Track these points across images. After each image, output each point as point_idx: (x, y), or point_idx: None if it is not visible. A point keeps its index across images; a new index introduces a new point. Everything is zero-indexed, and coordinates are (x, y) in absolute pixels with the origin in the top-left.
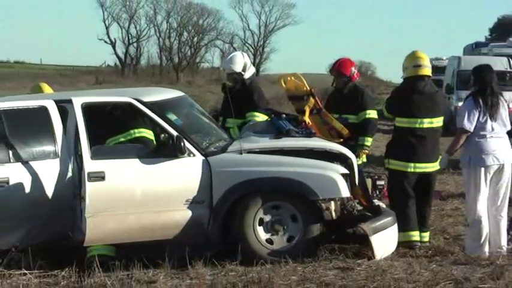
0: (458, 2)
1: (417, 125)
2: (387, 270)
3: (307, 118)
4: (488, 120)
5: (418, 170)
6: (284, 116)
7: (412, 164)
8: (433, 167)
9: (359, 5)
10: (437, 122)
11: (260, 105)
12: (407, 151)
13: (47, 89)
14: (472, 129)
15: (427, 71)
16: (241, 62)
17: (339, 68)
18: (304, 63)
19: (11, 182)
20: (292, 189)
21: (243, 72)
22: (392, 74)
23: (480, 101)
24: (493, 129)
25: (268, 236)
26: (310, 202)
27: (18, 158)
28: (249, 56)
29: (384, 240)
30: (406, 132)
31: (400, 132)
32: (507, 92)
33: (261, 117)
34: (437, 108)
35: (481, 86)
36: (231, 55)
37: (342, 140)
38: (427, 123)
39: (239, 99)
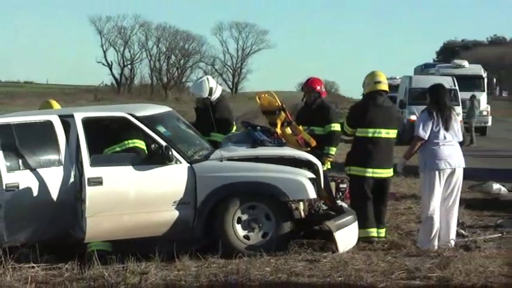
0: (409, 28)
1: (376, 135)
2: (349, 262)
3: (279, 130)
4: (441, 130)
5: (375, 175)
6: (259, 128)
7: (370, 170)
8: (388, 173)
9: (324, 30)
10: (393, 133)
11: (223, 124)
12: (367, 158)
13: (55, 105)
14: (426, 137)
15: (385, 86)
16: (207, 88)
17: (311, 84)
18: (277, 82)
19: (21, 187)
20: (266, 192)
21: (209, 96)
22: (353, 91)
23: (434, 113)
24: (445, 138)
25: (245, 232)
26: (282, 203)
27: (26, 166)
28: (226, 76)
29: (346, 236)
30: (366, 141)
31: (360, 142)
32: None
33: (219, 137)
34: (393, 120)
35: (436, 101)
36: (198, 81)
37: (309, 148)
38: (384, 133)
39: (206, 118)
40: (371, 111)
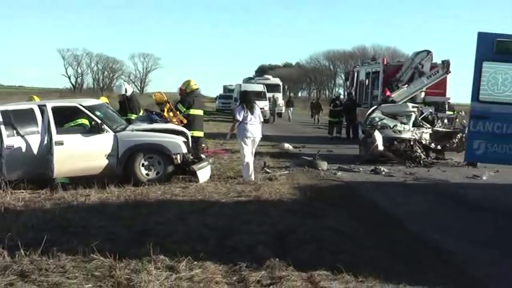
0: (242, 55)
1: (197, 112)
2: (205, 188)
3: (166, 114)
4: (249, 115)
5: (196, 135)
6: (154, 112)
7: (200, 132)
8: (202, 134)
9: (195, 60)
10: (202, 111)
11: (133, 110)
12: (196, 126)
13: (36, 99)
14: (240, 119)
15: (196, 86)
16: (123, 88)
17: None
18: (165, 87)
19: (15, 146)
20: (159, 149)
21: (125, 93)
22: (211, 91)
23: (244, 106)
24: (251, 120)
25: (146, 172)
26: (167, 155)
27: (18, 134)
28: (137, 83)
29: (203, 173)
30: (196, 117)
31: (193, 118)
32: (261, 102)
33: (133, 116)
34: (203, 104)
35: (244, 99)
36: (117, 84)
37: (183, 124)
38: (201, 112)
39: (124, 106)
40: (195, 100)
